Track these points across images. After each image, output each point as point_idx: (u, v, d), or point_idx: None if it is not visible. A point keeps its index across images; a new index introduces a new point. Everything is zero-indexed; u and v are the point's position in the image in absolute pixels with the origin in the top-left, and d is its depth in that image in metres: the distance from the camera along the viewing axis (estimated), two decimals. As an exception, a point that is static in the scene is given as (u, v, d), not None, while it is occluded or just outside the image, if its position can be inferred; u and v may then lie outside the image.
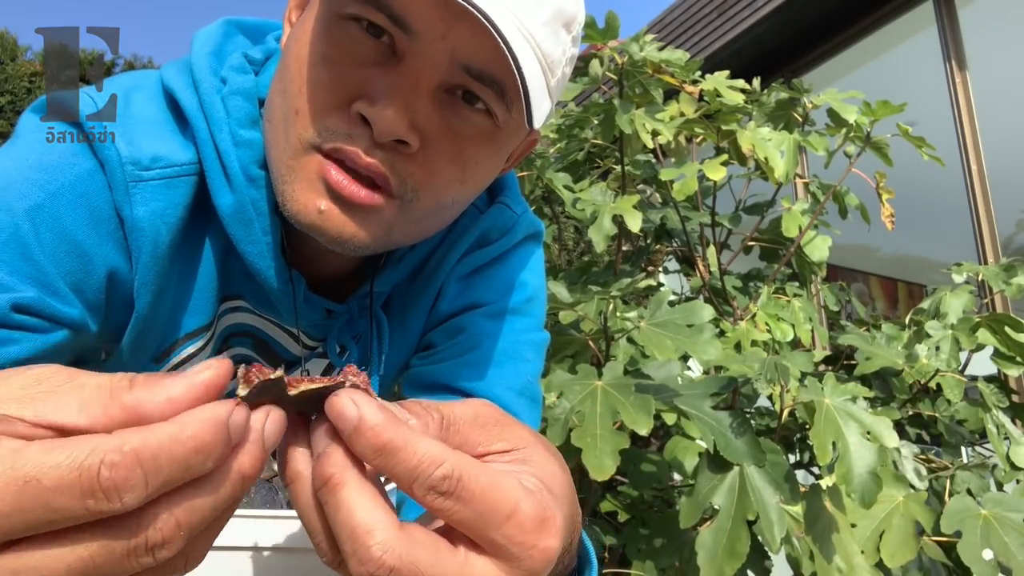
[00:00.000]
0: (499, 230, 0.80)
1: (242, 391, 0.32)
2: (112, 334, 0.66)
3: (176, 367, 0.71)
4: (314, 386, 0.33)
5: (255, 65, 0.69)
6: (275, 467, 0.50)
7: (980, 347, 1.59)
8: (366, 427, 0.32)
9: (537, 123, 0.55)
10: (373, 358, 0.76)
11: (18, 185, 0.57)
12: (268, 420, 0.33)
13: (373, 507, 0.33)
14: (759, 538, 1.21)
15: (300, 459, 0.35)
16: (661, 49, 1.75)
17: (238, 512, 0.41)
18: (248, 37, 0.74)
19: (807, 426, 1.26)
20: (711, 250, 1.85)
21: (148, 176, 0.61)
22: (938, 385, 1.52)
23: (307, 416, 0.35)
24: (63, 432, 0.29)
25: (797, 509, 1.26)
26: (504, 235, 0.80)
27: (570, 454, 1.06)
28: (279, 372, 0.33)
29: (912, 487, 1.41)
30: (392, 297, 0.79)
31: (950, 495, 1.43)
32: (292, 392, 0.33)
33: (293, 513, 0.43)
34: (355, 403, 0.33)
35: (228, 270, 0.69)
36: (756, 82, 1.93)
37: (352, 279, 0.76)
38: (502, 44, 0.52)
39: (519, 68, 0.53)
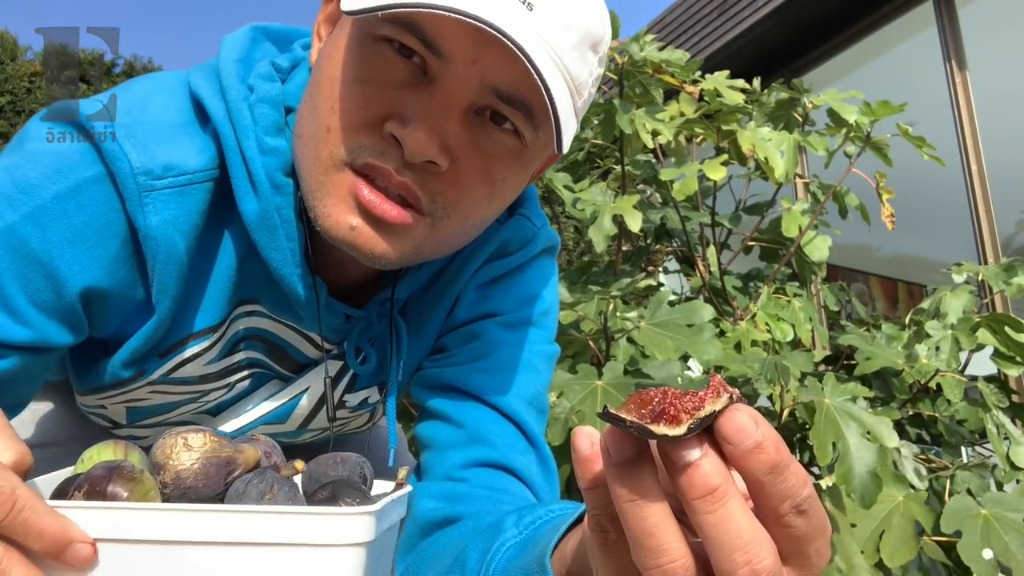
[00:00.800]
0: (519, 242, 0.81)
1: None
2: (113, 337, 0.66)
3: (180, 365, 0.71)
4: (718, 406, 0.33)
5: (282, 73, 0.70)
6: (297, 465, 0.51)
7: (980, 347, 1.59)
8: (766, 443, 0.32)
9: (566, 146, 0.56)
10: (392, 363, 0.76)
11: None
12: None
13: (751, 517, 0.33)
14: (759, 538, 1.21)
15: (647, 477, 0.34)
16: (661, 49, 1.75)
17: (261, 508, 0.42)
18: (275, 44, 0.75)
19: (807, 426, 1.26)
20: (711, 250, 1.85)
21: (160, 185, 0.62)
22: (938, 385, 1.52)
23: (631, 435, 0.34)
24: None
25: (797, 509, 1.26)
26: (523, 247, 0.81)
27: (570, 454, 1.06)
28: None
29: (912, 487, 1.41)
30: (408, 302, 0.80)
31: (950, 495, 1.43)
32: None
33: (313, 509, 0.43)
34: (755, 420, 0.33)
35: (245, 274, 0.69)
36: (756, 82, 1.93)
37: (370, 284, 0.77)
38: (532, 71, 0.53)
39: (550, 94, 0.54)
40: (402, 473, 0.54)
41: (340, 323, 0.74)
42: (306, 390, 0.79)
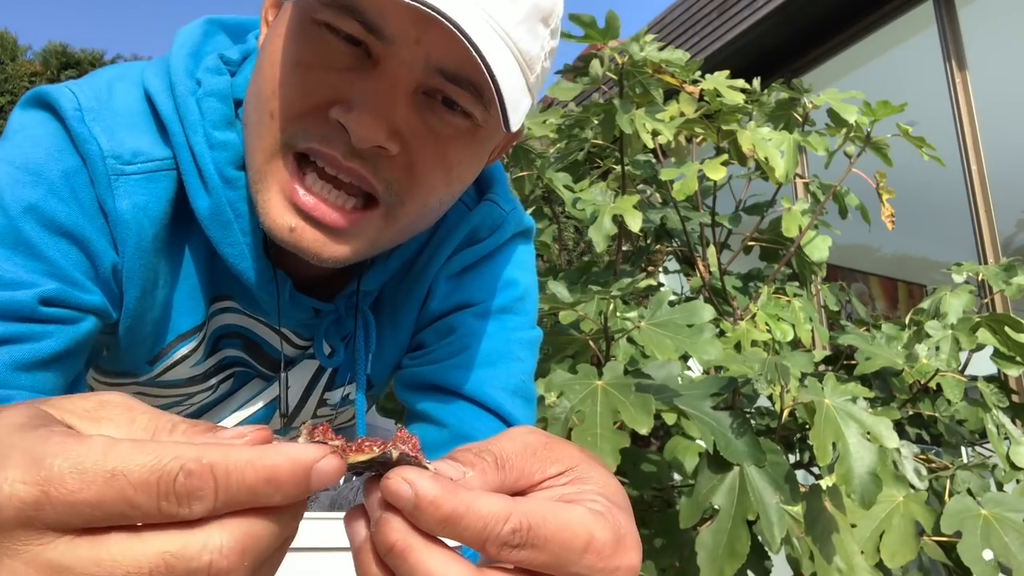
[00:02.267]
0: (488, 228, 0.79)
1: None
2: (111, 327, 0.66)
3: (170, 368, 0.71)
4: (362, 457, 0.33)
5: (231, 65, 0.69)
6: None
7: (980, 347, 1.59)
8: (424, 503, 0.32)
9: (514, 124, 0.55)
10: (360, 358, 0.75)
11: (9, 188, 0.58)
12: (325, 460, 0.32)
13: (446, 561, 0.32)
14: (759, 538, 1.21)
15: (360, 527, 0.34)
16: (661, 49, 1.75)
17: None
18: (230, 36, 0.73)
19: (807, 426, 1.26)
20: (711, 250, 1.85)
21: (130, 170, 0.61)
22: (938, 385, 1.52)
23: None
24: None
25: (797, 509, 1.27)
26: (493, 233, 0.79)
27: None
28: (340, 439, 0.33)
29: (912, 487, 1.41)
30: (382, 296, 0.78)
31: (950, 495, 1.43)
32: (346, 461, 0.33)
33: (326, 515, 0.43)
34: (408, 482, 0.32)
35: (215, 271, 0.69)
36: (756, 82, 1.93)
37: (340, 277, 0.75)
38: (471, 49, 0.51)
39: (491, 72, 0.52)
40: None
41: (308, 318, 0.73)
42: (289, 388, 0.79)
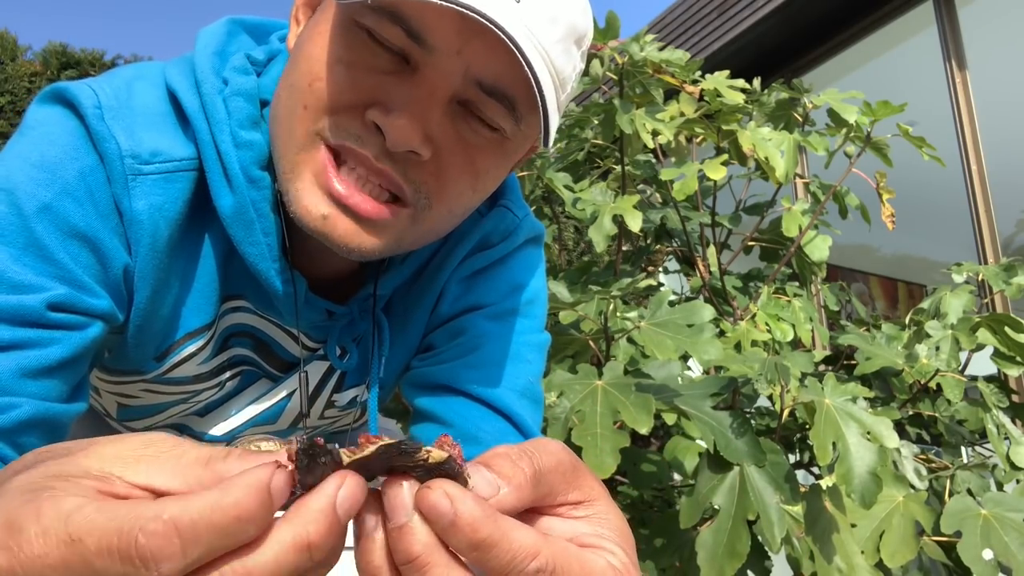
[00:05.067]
0: (501, 233, 0.80)
1: (288, 464, 0.31)
2: (119, 327, 0.66)
3: (177, 365, 0.71)
4: (365, 453, 0.31)
5: (257, 66, 0.69)
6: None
7: (980, 347, 1.59)
8: (462, 523, 0.31)
9: (551, 133, 0.56)
10: (373, 361, 0.76)
11: (24, 186, 0.57)
12: (344, 486, 0.31)
13: None
14: (759, 538, 1.21)
15: (373, 521, 0.33)
16: (661, 49, 1.75)
17: None
18: (252, 36, 0.74)
19: (807, 426, 1.26)
20: (711, 250, 1.85)
21: (148, 170, 0.61)
22: (938, 385, 1.52)
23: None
24: (158, 495, 0.30)
25: (797, 509, 1.27)
26: (506, 238, 0.80)
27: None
28: (332, 445, 0.32)
29: (912, 487, 1.41)
30: (392, 299, 0.78)
31: (950, 495, 1.43)
32: (348, 459, 0.31)
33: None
34: (450, 498, 0.31)
35: (230, 270, 0.69)
36: (756, 82, 1.93)
37: (353, 280, 0.76)
38: (523, 63, 0.52)
39: (540, 88, 0.53)
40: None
41: (321, 319, 0.74)
42: (295, 390, 0.79)
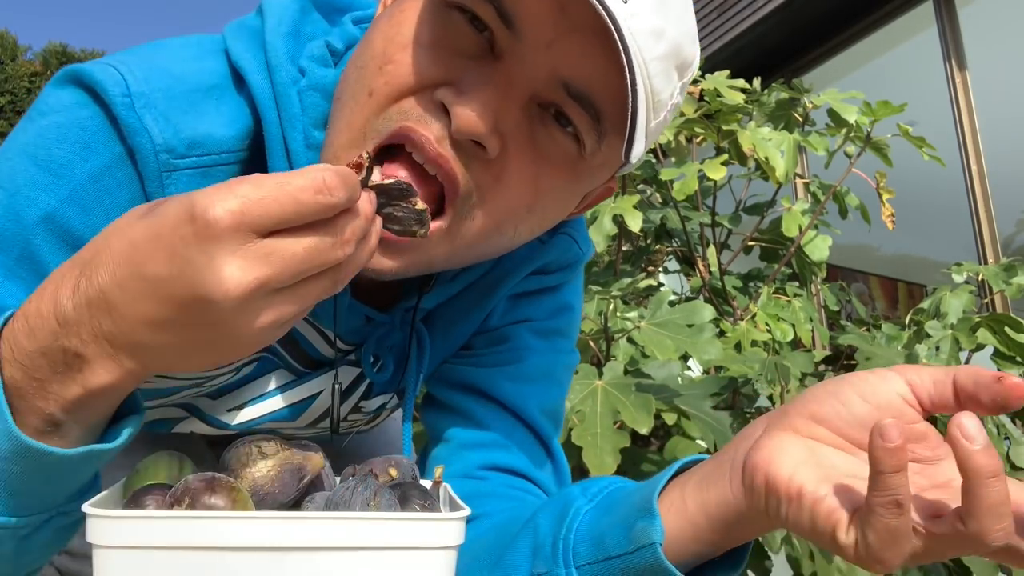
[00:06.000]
0: (560, 263, 0.76)
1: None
2: None
3: None
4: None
5: (336, 56, 0.62)
6: (391, 472, 0.53)
7: (980, 347, 1.59)
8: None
9: (634, 157, 0.49)
10: (410, 378, 0.72)
11: (26, 191, 0.54)
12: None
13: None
14: (759, 538, 1.21)
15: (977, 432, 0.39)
16: (661, 49, 1.74)
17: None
18: (322, 14, 0.67)
19: (807, 426, 1.26)
20: (711, 250, 1.85)
21: (183, 164, 0.56)
22: (938, 385, 1.52)
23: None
24: None
25: (797, 509, 1.26)
26: (564, 269, 0.77)
27: (571, 452, 1.06)
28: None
29: (912, 487, 1.41)
30: (434, 311, 0.74)
31: (950, 495, 1.43)
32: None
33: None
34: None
35: None
36: (756, 82, 1.93)
37: (395, 287, 0.72)
38: (626, 68, 0.46)
39: (635, 90, 0.47)
40: (438, 472, 0.55)
41: (360, 325, 0.70)
42: (320, 392, 0.77)
